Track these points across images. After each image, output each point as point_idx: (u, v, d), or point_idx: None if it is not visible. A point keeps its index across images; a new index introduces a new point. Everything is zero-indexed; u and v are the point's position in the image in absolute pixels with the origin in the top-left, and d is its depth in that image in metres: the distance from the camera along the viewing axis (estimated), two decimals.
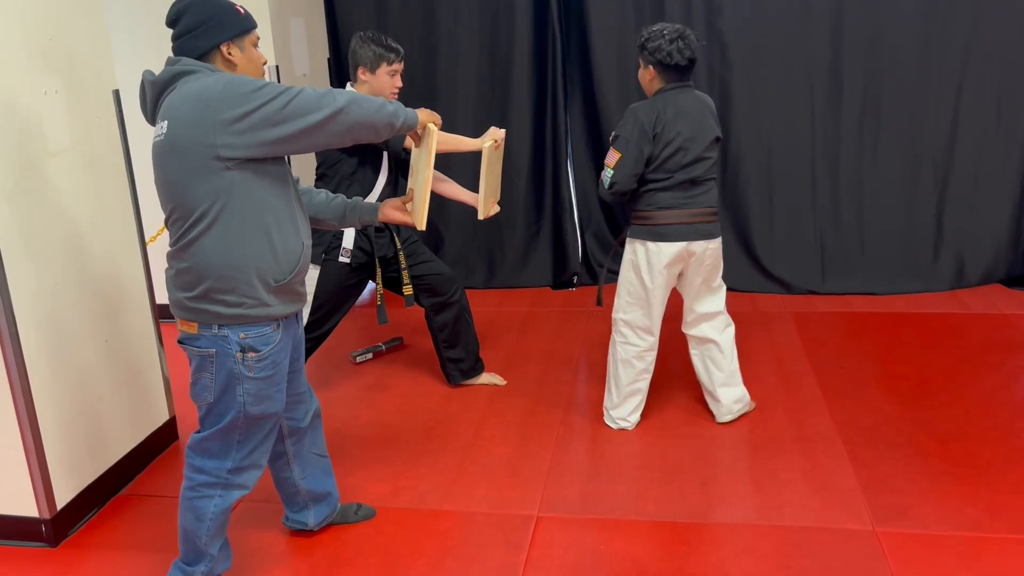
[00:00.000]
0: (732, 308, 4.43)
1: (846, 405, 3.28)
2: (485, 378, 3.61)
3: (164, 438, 3.13)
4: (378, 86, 3.13)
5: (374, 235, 3.25)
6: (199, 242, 1.96)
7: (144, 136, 2.87)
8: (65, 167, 2.62)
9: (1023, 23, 4.30)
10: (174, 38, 2.02)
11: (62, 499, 2.61)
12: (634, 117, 2.84)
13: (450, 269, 3.47)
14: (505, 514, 2.64)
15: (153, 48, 4.06)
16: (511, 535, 2.53)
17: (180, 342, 2.08)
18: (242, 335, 2.02)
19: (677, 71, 2.86)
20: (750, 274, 4.75)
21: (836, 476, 2.77)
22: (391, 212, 2.40)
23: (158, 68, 2.01)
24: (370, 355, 3.96)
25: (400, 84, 3.18)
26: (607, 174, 2.88)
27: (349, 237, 3.21)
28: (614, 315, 3.10)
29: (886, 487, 2.69)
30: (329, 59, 4.92)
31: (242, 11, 2.04)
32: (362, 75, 3.14)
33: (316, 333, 3.28)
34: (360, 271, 3.28)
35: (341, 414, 3.38)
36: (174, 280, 2.04)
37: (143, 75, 2.02)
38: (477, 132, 4.93)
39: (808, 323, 4.20)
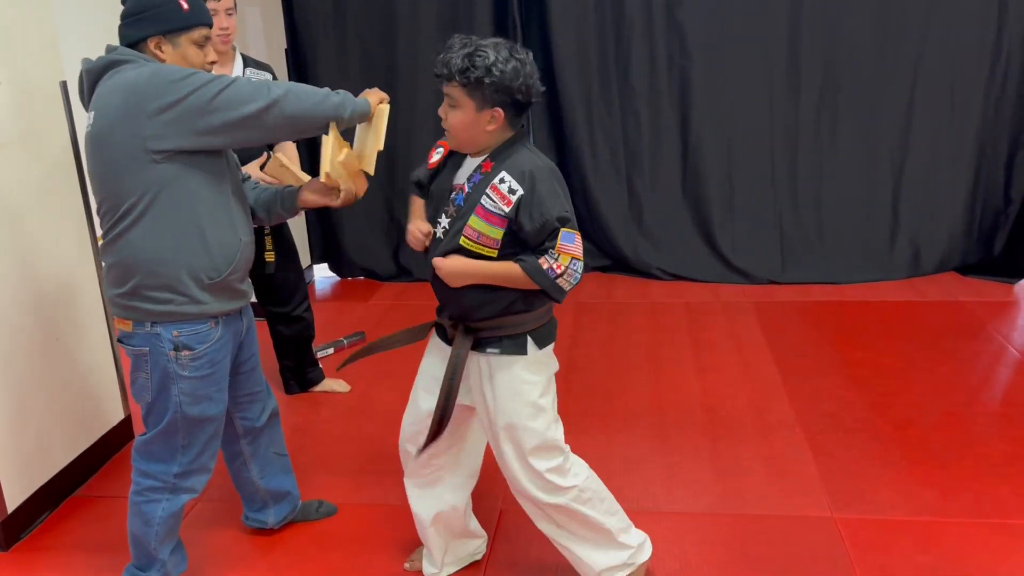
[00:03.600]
0: (694, 298, 4.48)
1: (805, 393, 3.31)
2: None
3: (118, 438, 3.07)
4: None
5: None
6: (127, 236, 1.90)
7: None
8: (11, 160, 2.54)
9: (976, 15, 4.37)
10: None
11: (13, 501, 2.54)
12: (554, 178, 1.90)
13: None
14: None
15: (102, 39, 3.96)
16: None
17: (119, 340, 2.04)
18: (175, 332, 1.96)
19: (525, 112, 1.93)
20: (711, 264, 4.79)
21: (796, 463, 2.80)
22: (309, 196, 2.19)
23: None
24: (331, 350, 3.91)
25: (225, 24, 2.93)
26: (575, 268, 1.88)
27: None
28: (539, 465, 2.02)
29: (844, 473, 2.73)
30: (286, 50, 4.85)
31: (186, 6, 1.92)
32: None
33: None
34: None
35: (301, 410, 3.34)
36: (107, 276, 1.99)
37: (81, 63, 1.96)
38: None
39: (769, 312, 4.23)
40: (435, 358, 2.10)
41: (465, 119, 1.87)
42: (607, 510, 2.13)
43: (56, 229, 2.76)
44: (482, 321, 1.95)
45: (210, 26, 2.00)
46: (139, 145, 1.82)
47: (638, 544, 2.19)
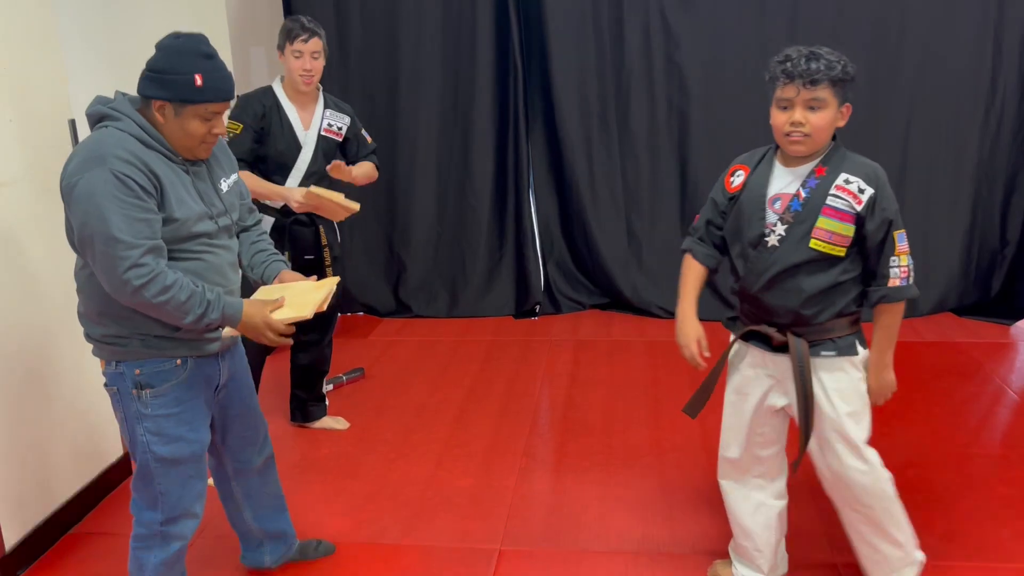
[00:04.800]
0: None
1: None
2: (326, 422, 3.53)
3: (116, 475, 3.05)
4: (287, 67, 3.06)
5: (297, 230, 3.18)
6: (91, 282, 1.92)
7: None
8: (17, 197, 2.57)
9: (971, 57, 4.44)
10: None
11: (10, 539, 2.52)
12: (887, 184, 2.04)
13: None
14: (467, 548, 2.62)
15: (110, 79, 4.01)
16: (474, 569, 2.51)
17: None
18: (137, 371, 1.96)
19: None
20: (710, 303, 4.79)
21: (796, 507, 2.78)
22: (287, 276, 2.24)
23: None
24: (331, 387, 3.91)
25: (308, 67, 3.02)
26: (911, 265, 2.06)
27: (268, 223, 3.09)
28: (869, 454, 2.19)
29: None
30: None
31: (200, 82, 1.85)
32: (280, 58, 3.10)
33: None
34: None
35: (300, 447, 3.33)
36: (80, 319, 2.01)
37: (90, 103, 1.97)
38: (440, 162, 4.98)
39: None
40: (745, 370, 2.25)
41: (829, 117, 1.98)
42: (899, 516, 2.23)
43: (59, 265, 2.77)
44: (818, 325, 2.07)
45: (225, 101, 1.93)
46: None
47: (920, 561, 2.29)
